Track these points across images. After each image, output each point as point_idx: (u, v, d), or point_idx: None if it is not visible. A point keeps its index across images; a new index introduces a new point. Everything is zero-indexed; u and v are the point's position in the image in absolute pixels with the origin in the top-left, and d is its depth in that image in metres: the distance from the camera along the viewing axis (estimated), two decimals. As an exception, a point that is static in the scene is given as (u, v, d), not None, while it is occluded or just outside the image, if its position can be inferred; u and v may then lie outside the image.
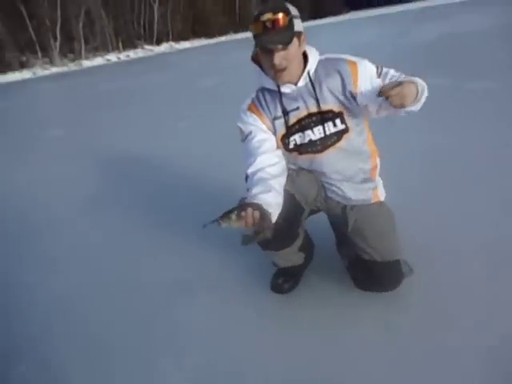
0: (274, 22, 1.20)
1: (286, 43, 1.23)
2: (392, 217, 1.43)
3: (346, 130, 1.38)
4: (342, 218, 1.46)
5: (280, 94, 1.36)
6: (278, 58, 1.24)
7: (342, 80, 1.33)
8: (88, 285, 1.94)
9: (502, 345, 1.24)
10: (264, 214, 1.16)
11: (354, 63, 1.34)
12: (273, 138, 1.40)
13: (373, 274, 1.40)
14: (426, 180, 2.31)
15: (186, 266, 1.93)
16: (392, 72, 1.34)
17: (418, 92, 1.17)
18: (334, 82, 1.34)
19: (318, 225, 1.66)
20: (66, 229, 2.60)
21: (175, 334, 1.54)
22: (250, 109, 1.41)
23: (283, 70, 1.27)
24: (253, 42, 1.28)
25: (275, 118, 1.39)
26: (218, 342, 1.46)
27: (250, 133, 1.39)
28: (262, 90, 1.41)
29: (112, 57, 31.98)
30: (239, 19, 42.58)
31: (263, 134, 1.39)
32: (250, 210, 1.14)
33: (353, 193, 1.44)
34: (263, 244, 1.47)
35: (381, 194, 1.49)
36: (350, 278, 1.53)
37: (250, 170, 1.34)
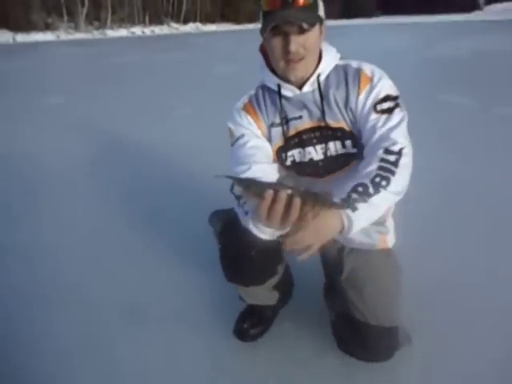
0: None
1: (311, 23, 0.95)
2: (399, 273, 1.13)
3: (357, 156, 1.09)
4: (336, 262, 1.16)
5: (280, 95, 1.07)
6: (296, 43, 0.96)
7: (347, 91, 1.05)
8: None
9: None
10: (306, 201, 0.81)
11: (368, 79, 1.04)
12: (269, 146, 1.12)
13: (363, 338, 1.10)
14: (433, 215, 1.96)
15: (142, 286, 1.62)
16: (401, 129, 1.02)
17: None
18: (341, 94, 1.05)
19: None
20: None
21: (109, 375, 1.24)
22: (245, 109, 1.14)
23: (299, 60, 0.99)
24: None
25: (272, 125, 1.12)
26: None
27: (242, 136, 1.11)
28: (263, 87, 1.14)
29: (137, 30, 31.58)
30: (270, 8, 41.43)
31: (258, 140, 1.11)
32: (284, 194, 0.79)
33: (356, 233, 1.13)
34: (228, 274, 1.19)
35: (390, 240, 1.19)
36: (333, 336, 1.23)
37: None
